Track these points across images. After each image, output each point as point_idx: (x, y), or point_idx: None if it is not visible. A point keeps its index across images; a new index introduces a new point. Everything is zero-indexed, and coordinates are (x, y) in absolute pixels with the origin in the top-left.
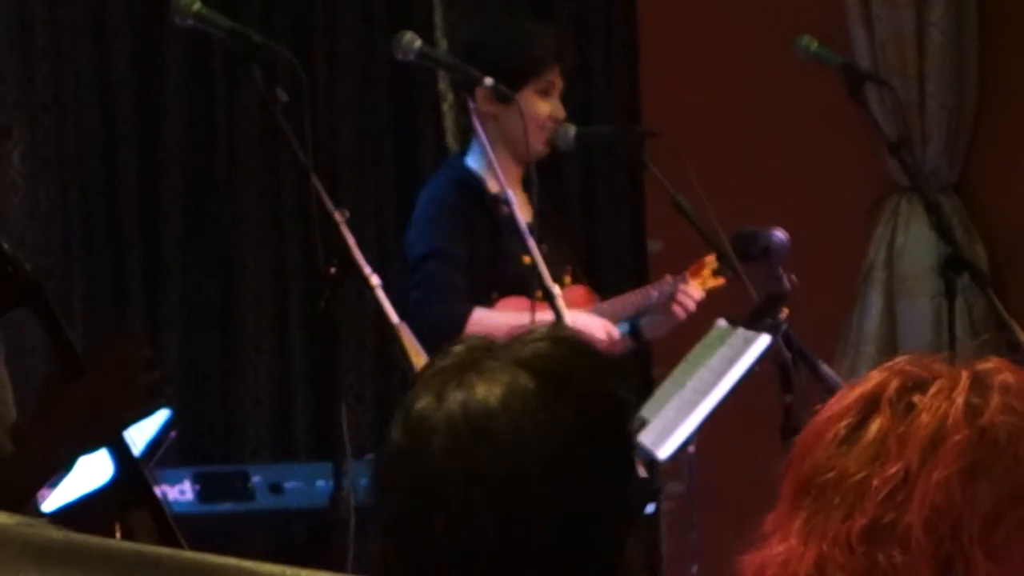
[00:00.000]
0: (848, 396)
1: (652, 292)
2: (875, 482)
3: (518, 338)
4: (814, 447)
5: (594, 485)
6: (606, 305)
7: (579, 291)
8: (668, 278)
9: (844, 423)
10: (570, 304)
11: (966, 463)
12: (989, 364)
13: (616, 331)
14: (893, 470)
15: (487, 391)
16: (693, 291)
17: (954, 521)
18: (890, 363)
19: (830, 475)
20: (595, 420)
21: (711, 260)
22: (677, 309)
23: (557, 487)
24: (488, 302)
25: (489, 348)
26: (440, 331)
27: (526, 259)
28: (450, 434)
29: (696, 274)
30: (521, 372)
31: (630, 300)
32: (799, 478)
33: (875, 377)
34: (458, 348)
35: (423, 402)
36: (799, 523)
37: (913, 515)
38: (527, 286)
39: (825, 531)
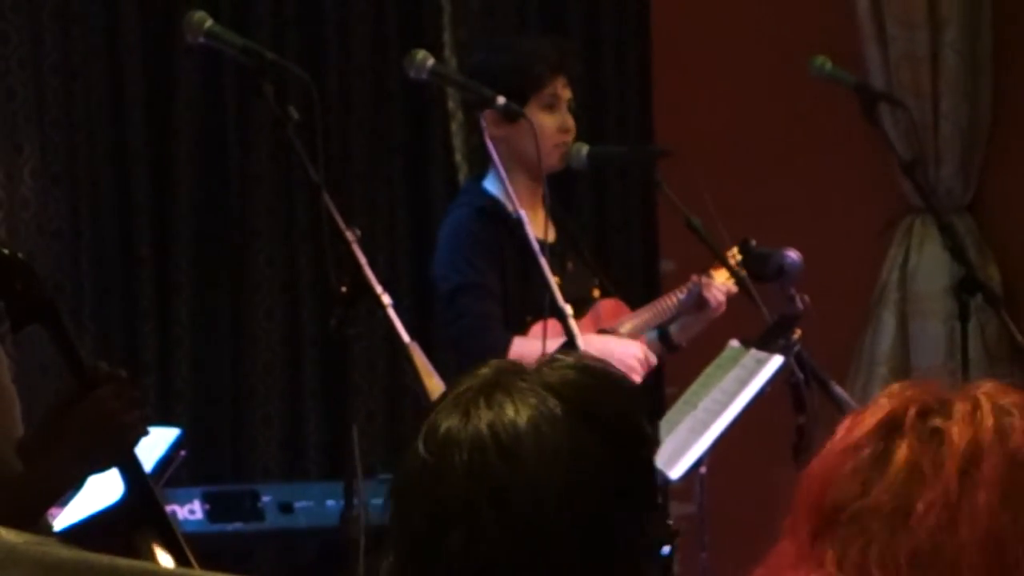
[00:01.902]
0: (861, 426)
1: (682, 296)
2: (919, 506)
3: (545, 363)
4: (834, 479)
5: (614, 515)
6: (638, 315)
7: (610, 303)
8: (694, 277)
9: (866, 451)
10: (603, 316)
11: (1004, 487)
12: (989, 387)
13: (652, 356)
14: (933, 494)
15: (515, 412)
16: (720, 285)
17: (1000, 543)
18: (894, 390)
19: (863, 503)
20: (620, 452)
21: (732, 252)
22: (710, 300)
23: (577, 514)
24: (522, 326)
25: (517, 371)
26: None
27: (556, 279)
28: (475, 451)
29: (720, 267)
30: (550, 396)
31: (664, 307)
32: (821, 511)
33: (885, 405)
34: (485, 370)
35: (449, 420)
36: (831, 554)
37: (963, 538)
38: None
39: (866, 558)
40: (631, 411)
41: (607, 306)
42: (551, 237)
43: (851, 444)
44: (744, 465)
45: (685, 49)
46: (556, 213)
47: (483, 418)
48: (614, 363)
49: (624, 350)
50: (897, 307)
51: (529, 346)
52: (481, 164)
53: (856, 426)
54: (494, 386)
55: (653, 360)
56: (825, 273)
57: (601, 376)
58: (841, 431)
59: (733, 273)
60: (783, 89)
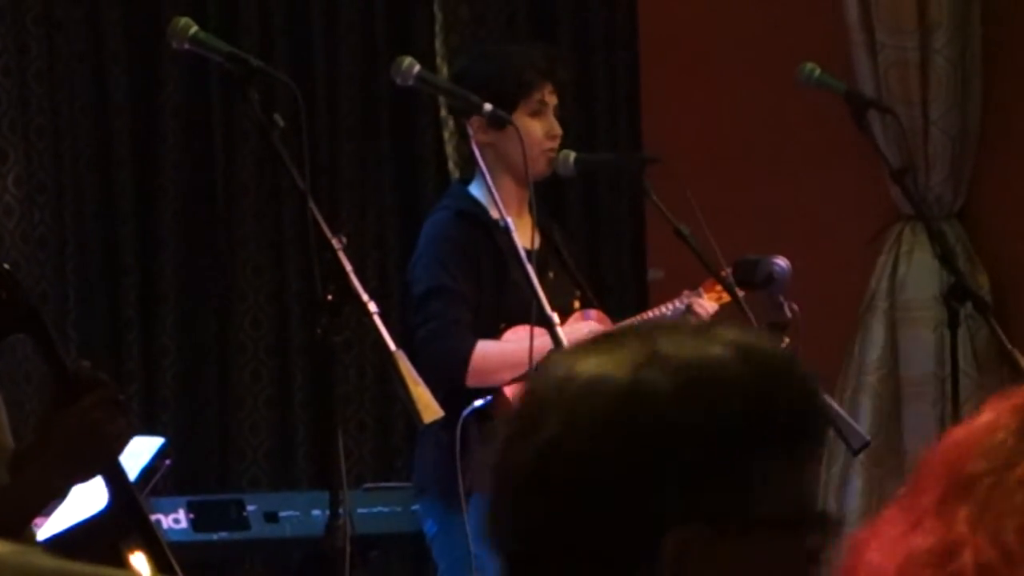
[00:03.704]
0: (1003, 405)
1: (666, 312)
2: None
3: (707, 330)
4: (974, 451)
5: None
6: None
7: (593, 314)
8: (685, 293)
9: (1013, 425)
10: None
11: None
12: None
13: None
14: None
15: (600, 363)
16: (707, 304)
17: None
18: None
19: (1008, 474)
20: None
21: (725, 275)
22: (692, 319)
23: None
24: (496, 333)
25: (669, 329)
26: (445, 368)
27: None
28: (556, 381)
29: (710, 289)
30: (655, 365)
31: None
32: (954, 480)
33: None
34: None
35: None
36: (964, 514)
37: None
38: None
39: (1004, 524)
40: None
41: (592, 316)
42: (535, 245)
43: (991, 422)
44: None
45: (673, 56)
46: (541, 220)
47: (580, 351)
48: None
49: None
50: (886, 315)
51: (496, 349)
52: (474, 171)
53: (998, 407)
54: (622, 334)
55: None
56: (814, 281)
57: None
58: (983, 412)
59: (720, 281)
60: (772, 96)
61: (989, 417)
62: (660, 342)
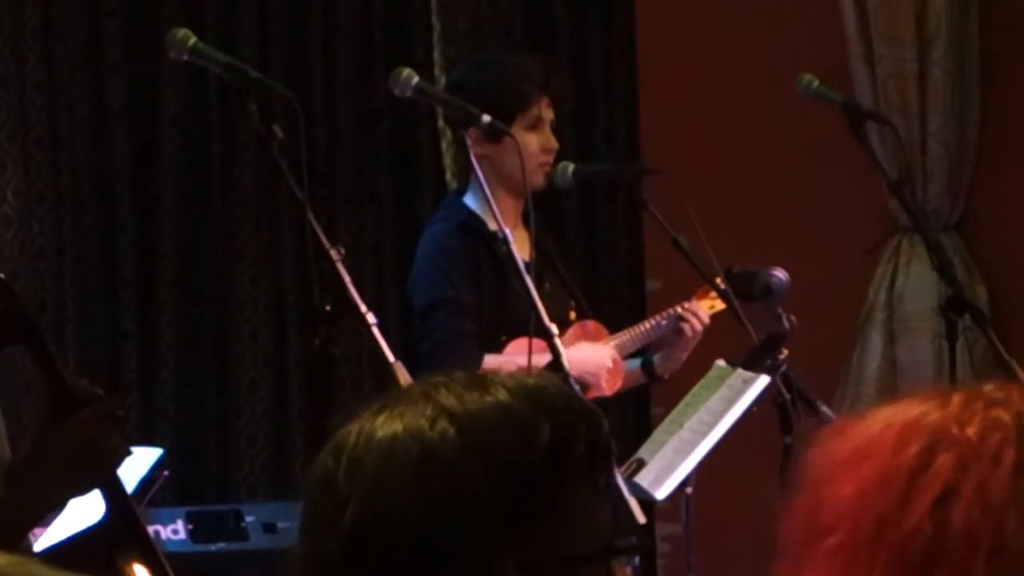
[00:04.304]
0: (901, 446)
1: (661, 321)
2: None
3: (479, 383)
4: (904, 512)
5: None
6: (615, 338)
7: (591, 325)
8: (677, 307)
9: (939, 481)
10: (582, 338)
11: None
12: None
13: (622, 362)
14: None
15: (387, 424)
16: (699, 311)
17: None
18: (908, 403)
19: (953, 540)
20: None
21: (718, 280)
22: (685, 327)
23: (396, 537)
24: (497, 344)
25: (446, 383)
26: None
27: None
28: (336, 453)
29: (703, 298)
30: (442, 418)
31: (640, 331)
32: (902, 550)
33: (913, 417)
34: (434, 378)
35: (349, 426)
36: None
37: None
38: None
39: None
40: (507, 467)
41: (587, 327)
42: (531, 256)
43: (902, 465)
44: (730, 485)
45: (671, 68)
46: (536, 232)
47: (366, 423)
48: (586, 368)
49: (596, 359)
50: (884, 326)
51: (500, 364)
52: (468, 182)
53: (899, 446)
54: (404, 396)
55: (621, 366)
56: (812, 292)
57: (510, 419)
58: (873, 449)
59: (719, 292)
60: (770, 107)
61: (897, 461)
62: (442, 398)
